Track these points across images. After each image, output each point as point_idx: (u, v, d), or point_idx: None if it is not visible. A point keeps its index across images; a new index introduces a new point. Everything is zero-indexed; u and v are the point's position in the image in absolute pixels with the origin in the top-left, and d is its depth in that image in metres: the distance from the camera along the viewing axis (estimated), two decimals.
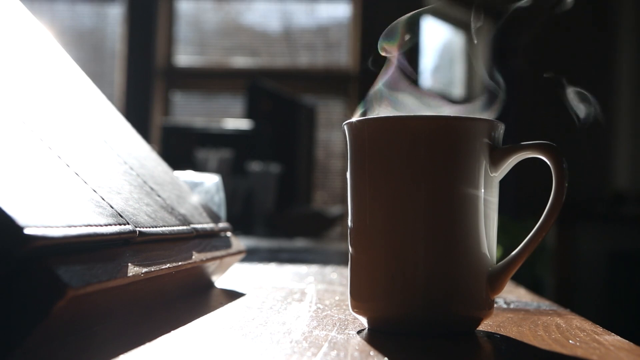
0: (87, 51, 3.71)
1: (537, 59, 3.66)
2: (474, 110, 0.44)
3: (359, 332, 0.41)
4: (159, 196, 0.53)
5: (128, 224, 0.41)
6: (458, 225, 0.40)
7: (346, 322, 0.44)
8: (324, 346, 0.36)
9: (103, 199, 0.41)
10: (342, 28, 3.71)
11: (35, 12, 0.61)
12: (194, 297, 0.54)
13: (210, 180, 0.74)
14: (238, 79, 3.52)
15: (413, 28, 0.44)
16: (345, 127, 0.44)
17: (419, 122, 0.41)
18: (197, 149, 2.12)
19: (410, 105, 0.45)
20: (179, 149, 2.35)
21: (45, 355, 0.31)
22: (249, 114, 2.59)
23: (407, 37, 0.45)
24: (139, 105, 3.58)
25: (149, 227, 0.44)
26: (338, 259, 1.07)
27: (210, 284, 0.62)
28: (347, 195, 0.44)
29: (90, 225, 0.36)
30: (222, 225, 0.65)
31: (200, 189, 0.72)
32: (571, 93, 0.44)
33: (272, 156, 2.38)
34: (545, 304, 0.56)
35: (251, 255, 0.99)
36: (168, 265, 0.45)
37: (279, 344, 0.36)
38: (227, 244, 0.63)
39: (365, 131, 0.42)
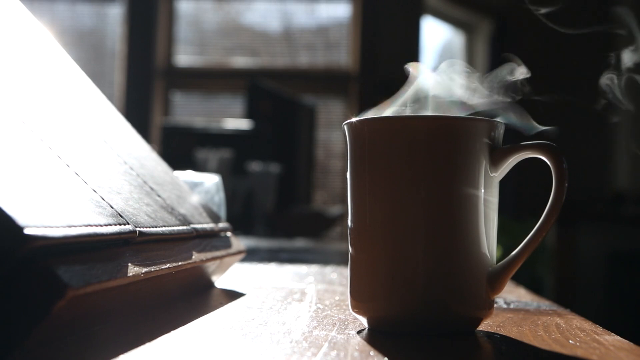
0: (87, 51, 3.71)
1: (538, 59, 3.66)
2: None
3: (359, 332, 0.41)
4: (159, 196, 0.53)
5: (128, 224, 0.41)
6: (458, 225, 0.40)
7: (346, 322, 0.44)
8: (324, 346, 0.36)
9: (103, 199, 0.41)
10: (342, 28, 3.71)
11: (35, 12, 0.61)
12: (194, 297, 0.54)
13: (210, 180, 0.74)
14: (238, 79, 3.52)
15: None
16: (345, 127, 0.44)
17: (419, 122, 0.41)
18: (197, 149, 2.12)
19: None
20: (179, 149, 2.35)
21: (45, 355, 0.31)
22: (249, 114, 2.59)
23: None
24: (139, 105, 3.57)
25: (149, 227, 0.44)
26: (338, 259, 1.07)
27: (210, 284, 0.62)
28: (347, 195, 0.44)
29: (90, 225, 0.36)
30: (222, 225, 0.65)
31: (200, 189, 0.72)
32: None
33: (272, 156, 2.38)
34: (545, 304, 0.56)
35: (251, 255, 0.99)
36: (168, 265, 0.45)
37: (279, 344, 0.36)
38: (227, 244, 0.63)
39: (365, 131, 0.42)
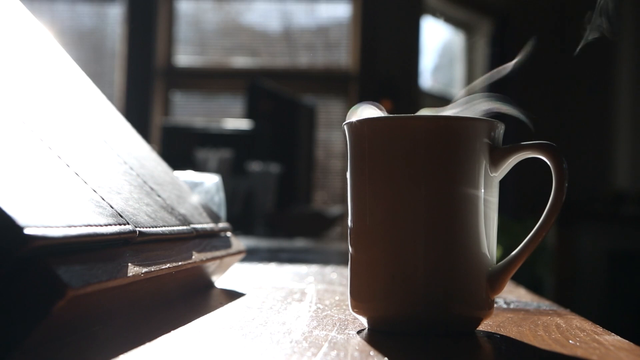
0: (87, 51, 3.71)
1: (538, 58, 3.66)
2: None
3: (359, 332, 0.41)
4: (159, 196, 0.53)
5: (128, 224, 0.41)
6: (458, 225, 0.40)
7: (346, 322, 0.44)
8: (324, 346, 0.36)
9: (103, 199, 0.41)
10: (342, 28, 3.71)
11: (35, 12, 0.61)
12: (194, 297, 0.54)
13: (210, 180, 0.74)
14: (238, 79, 3.52)
15: None
16: (345, 127, 0.44)
17: (419, 122, 0.41)
18: (197, 149, 2.12)
19: None
20: (179, 149, 2.35)
21: (45, 355, 0.31)
22: (249, 114, 2.59)
23: None
24: (139, 105, 3.58)
25: (149, 227, 0.44)
26: (338, 259, 1.07)
27: (210, 284, 0.62)
28: (347, 195, 0.44)
29: (90, 225, 0.36)
30: (222, 225, 0.65)
31: (200, 189, 0.72)
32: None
33: (272, 156, 2.38)
34: (545, 304, 0.56)
35: (251, 255, 0.99)
36: (168, 265, 0.45)
37: (279, 344, 0.36)
38: (227, 244, 0.63)
39: (365, 131, 0.42)
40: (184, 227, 0.52)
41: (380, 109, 0.46)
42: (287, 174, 2.46)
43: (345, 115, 3.57)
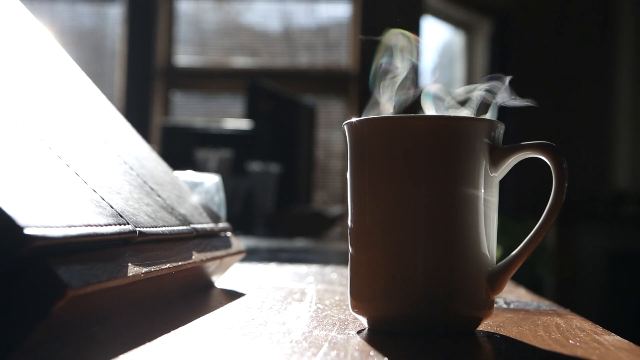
0: (87, 51, 3.71)
1: (538, 58, 3.66)
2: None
3: (359, 332, 0.41)
4: (159, 196, 0.53)
5: (128, 224, 0.41)
6: (458, 225, 0.40)
7: (346, 322, 0.44)
8: (324, 346, 0.36)
9: (103, 199, 0.41)
10: (342, 28, 3.71)
11: (35, 12, 0.61)
12: (194, 297, 0.54)
13: (210, 180, 0.74)
14: (238, 79, 3.52)
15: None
16: (345, 127, 0.44)
17: (419, 122, 0.41)
18: (197, 149, 2.12)
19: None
20: (179, 149, 2.35)
21: (45, 355, 0.31)
22: (249, 114, 2.59)
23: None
24: (139, 105, 3.57)
25: (149, 227, 0.44)
26: (338, 259, 1.07)
27: (210, 284, 0.62)
28: (347, 195, 0.44)
29: (90, 225, 0.36)
30: (222, 225, 0.65)
31: (200, 189, 0.72)
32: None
33: (272, 156, 2.38)
34: (545, 304, 0.56)
35: (251, 255, 0.99)
36: (168, 265, 0.45)
37: (279, 344, 0.36)
38: (227, 244, 0.63)
39: (365, 131, 0.42)
40: (184, 227, 0.52)
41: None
42: (287, 174, 2.46)
43: (345, 116, 3.57)
